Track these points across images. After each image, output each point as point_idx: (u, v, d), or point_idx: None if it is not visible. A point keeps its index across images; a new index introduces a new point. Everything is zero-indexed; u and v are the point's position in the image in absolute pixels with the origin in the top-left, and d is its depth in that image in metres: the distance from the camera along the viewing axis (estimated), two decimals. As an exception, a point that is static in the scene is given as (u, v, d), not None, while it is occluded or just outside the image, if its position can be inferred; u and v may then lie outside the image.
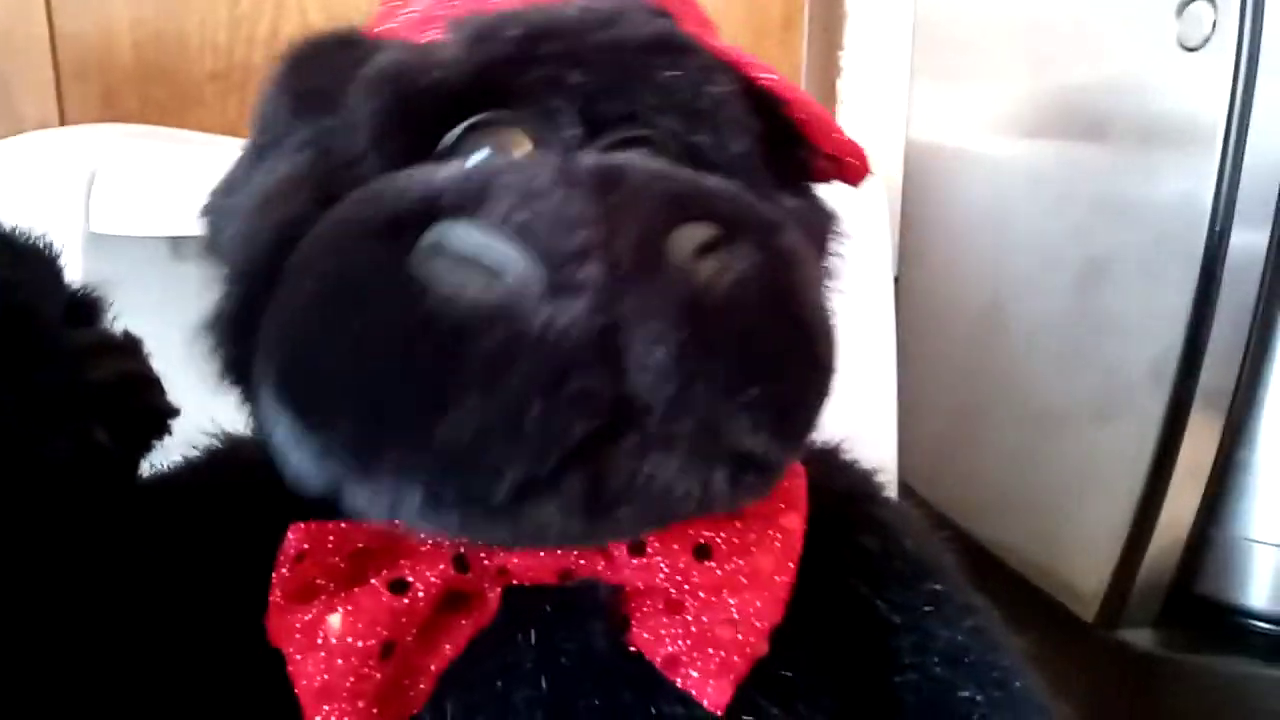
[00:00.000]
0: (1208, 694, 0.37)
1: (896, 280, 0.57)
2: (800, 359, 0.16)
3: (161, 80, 0.63)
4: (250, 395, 0.17)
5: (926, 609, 0.22)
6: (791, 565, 0.20)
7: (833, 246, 0.21)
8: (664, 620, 0.19)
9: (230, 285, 0.18)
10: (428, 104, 0.17)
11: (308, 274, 0.16)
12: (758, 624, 0.19)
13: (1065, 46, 0.44)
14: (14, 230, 0.20)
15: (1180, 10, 0.35)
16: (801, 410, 0.17)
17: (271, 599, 0.18)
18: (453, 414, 0.14)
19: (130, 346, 0.21)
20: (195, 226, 0.35)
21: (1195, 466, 0.38)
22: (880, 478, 0.25)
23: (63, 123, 0.63)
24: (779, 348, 0.16)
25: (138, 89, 0.63)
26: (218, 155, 0.38)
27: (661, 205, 0.15)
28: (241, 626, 0.18)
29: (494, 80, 0.17)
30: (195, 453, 0.22)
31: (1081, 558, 0.41)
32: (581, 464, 0.15)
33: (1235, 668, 0.37)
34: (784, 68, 0.70)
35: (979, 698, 0.22)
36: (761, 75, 0.19)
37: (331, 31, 0.20)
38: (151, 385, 0.21)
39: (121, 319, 0.23)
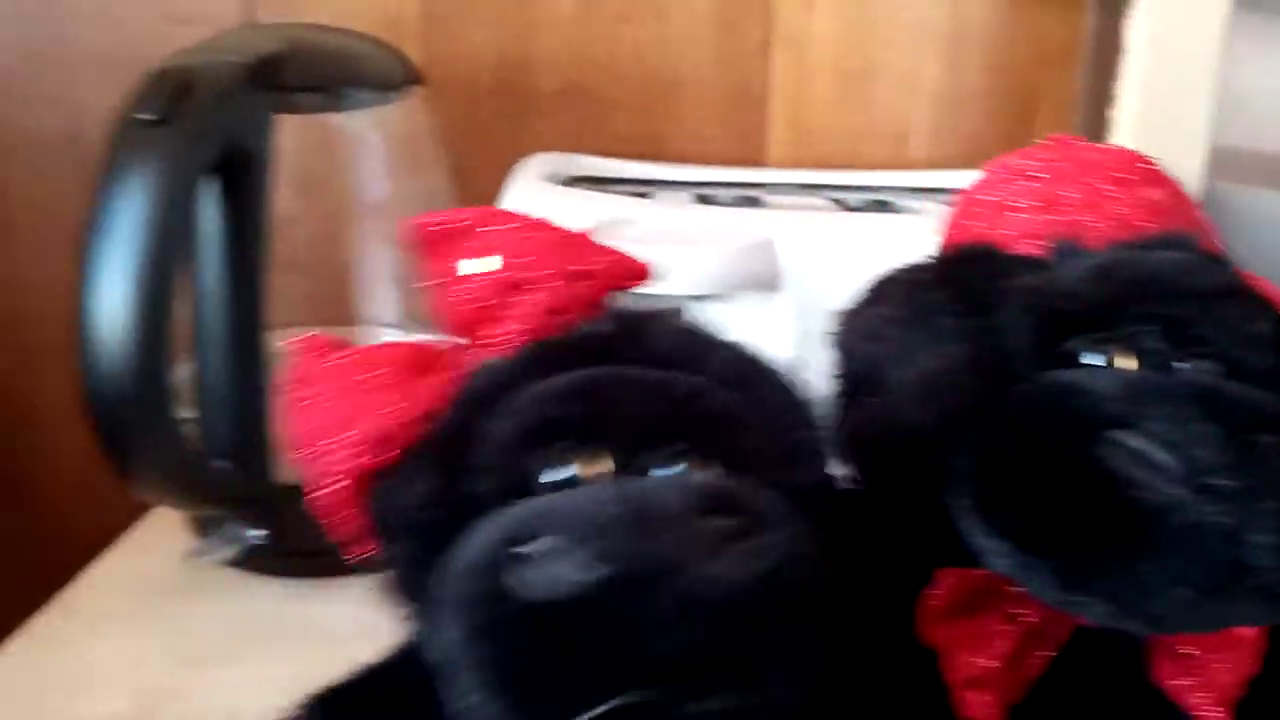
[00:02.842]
0: None
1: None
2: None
3: (511, 97, 0.74)
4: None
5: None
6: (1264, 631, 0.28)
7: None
8: (1175, 662, 0.28)
9: (899, 441, 0.27)
10: (1062, 321, 0.26)
11: (1015, 462, 0.25)
12: (1244, 670, 0.27)
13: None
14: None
15: None
16: None
17: (925, 613, 0.28)
18: (1137, 565, 0.23)
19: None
20: (690, 287, 0.45)
21: None
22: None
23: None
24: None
25: (493, 103, 0.74)
26: (697, 221, 0.47)
27: (1250, 423, 0.24)
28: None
29: (1108, 306, 0.26)
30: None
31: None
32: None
33: None
34: (1059, 93, 0.76)
35: None
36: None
37: (977, 247, 0.29)
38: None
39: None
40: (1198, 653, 0.27)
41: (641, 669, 0.20)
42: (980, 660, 0.27)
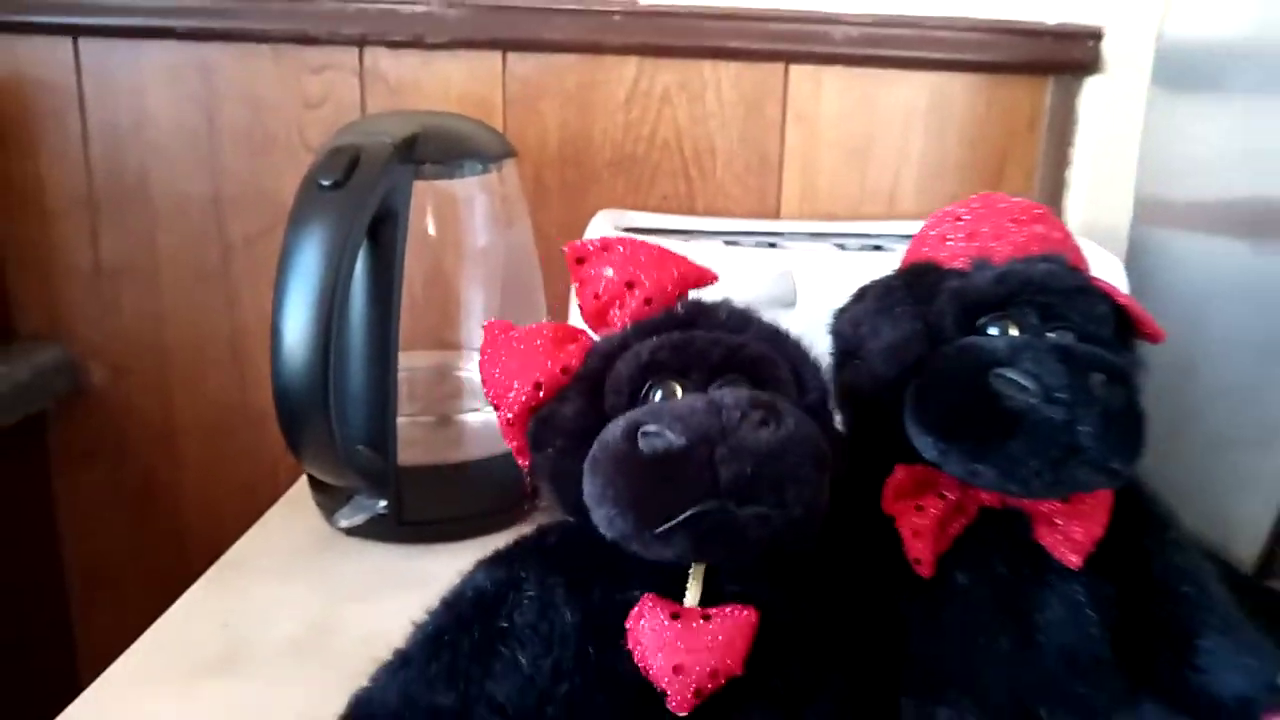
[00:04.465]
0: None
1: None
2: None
3: (574, 166, 0.89)
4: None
5: (1169, 541, 0.44)
6: (1108, 510, 0.42)
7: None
8: (1049, 526, 0.41)
9: (872, 387, 0.42)
10: (975, 308, 0.41)
11: (939, 389, 0.39)
12: (1093, 533, 0.41)
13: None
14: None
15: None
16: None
17: (887, 494, 0.42)
18: (1009, 445, 0.37)
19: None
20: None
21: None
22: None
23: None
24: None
25: (557, 171, 0.89)
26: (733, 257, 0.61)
27: (1085, 365, 0.38)
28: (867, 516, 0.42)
29: (1003, 298, 0.41)
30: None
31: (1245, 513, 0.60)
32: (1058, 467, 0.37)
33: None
34: (1024, 158, 0.91)
35: (1187, 590, 0.44)
36: (1118, 296, 0.42)
37: (924, 263, 0.44)
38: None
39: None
40: (1062, 520, 0.41)
41: (712, 489, 0.32)
42: (920, 520, 0.41)
